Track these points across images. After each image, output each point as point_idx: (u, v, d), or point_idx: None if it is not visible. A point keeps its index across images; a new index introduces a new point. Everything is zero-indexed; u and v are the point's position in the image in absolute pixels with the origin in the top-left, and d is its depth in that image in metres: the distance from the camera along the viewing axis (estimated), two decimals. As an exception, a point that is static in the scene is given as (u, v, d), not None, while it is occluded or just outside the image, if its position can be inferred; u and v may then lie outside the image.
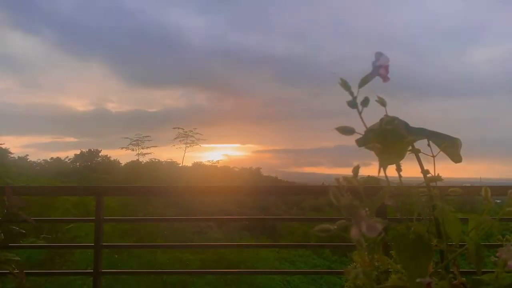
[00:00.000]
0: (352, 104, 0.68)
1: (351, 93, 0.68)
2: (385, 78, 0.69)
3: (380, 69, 0.69)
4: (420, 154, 0.90)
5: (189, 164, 29.29)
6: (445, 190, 0.84)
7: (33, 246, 5.87)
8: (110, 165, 26.88)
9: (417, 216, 0.77)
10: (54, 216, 8.45)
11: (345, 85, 0.68)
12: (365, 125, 0.70)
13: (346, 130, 0.69)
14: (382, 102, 0.72)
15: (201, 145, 29.66)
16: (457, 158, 0.92)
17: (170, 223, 9.92)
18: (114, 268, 7.17)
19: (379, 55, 0.69)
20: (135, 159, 28.53)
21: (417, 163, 0.88)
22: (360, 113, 0.69)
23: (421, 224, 0.85)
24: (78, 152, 27.54)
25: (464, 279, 0.81)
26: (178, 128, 30.15)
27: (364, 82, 0.69)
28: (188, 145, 29.58)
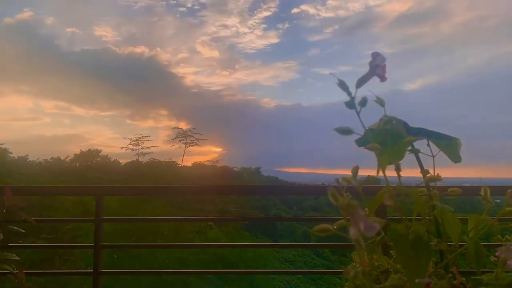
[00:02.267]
0: (350, 104, 0.68)
1: (349, 94, 0.68)
2: (383, 78, 0.69)
3: (377, 69, 0.69)
4: (420, 154, 0.90)
5: (189, 164, 29.36)
6: (444, 190, 0.84)
7: (33, 246, 5.88)
8: (110, 165, 26.86)
9: (416, 216, 0.77)
10: (54, 216, 8.46)
11: (343, 85, 0.68)
12: (363, 125, 0.70)
13: (344, 131, 0.69)
14: (381, 102, 0.72)
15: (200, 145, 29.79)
16: (456, 158, 0.92)
17: (170, 223, 9.93)
18: (114, 268, 7.17)
19: (376, 55, 0.69)
20: (135, 159, 28.60)
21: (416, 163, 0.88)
22: (358, 113, 0.69)
23: (420, 224, 0.85)
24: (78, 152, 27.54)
25: (463, 279, 0.81)
26: (177, 128, 30.26)
27: (361, 82, 0.69)
28: (188, 145, 29.66)
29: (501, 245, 0.77)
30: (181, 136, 29.65)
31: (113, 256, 7.82)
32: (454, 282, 0.79)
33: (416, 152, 0.90)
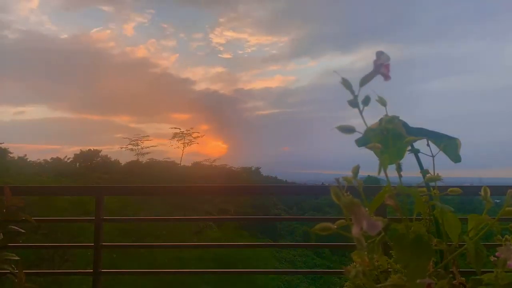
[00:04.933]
0: (353, 103, 0.68)
1: (352, 92, 0.68)
2: (386, 77, 0.69)
3: (381, 68, 0.69)
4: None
5: (189, 164, 29.41)
6: (444, 190, 0.84)
7: (33, 246, 5.87)
8: (110, 165, 26.87)
9: (416, 216, 0.77)
10: (54, 216, 8.46)
11: (346, 84, 0.68)
12: (366, 124, 0.70)
13: (347, 129, 0.69)
14: (382, 102, 0.72)
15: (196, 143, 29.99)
16: (456, 158, 0.92)
17: (170, 223, 9.93)
18: (114, 268, 7.16)
19: (380, 53, 0.69)
20: (135, 159, 28.64)
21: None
22: (361, 112, 0.69)
23: (420, 224, 0.85)
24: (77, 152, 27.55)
25: (463, 279, 0.81)
26: (175, 128, 30.40)
27: (365, 81, 0.69)
28: (186, 144, 29.77)
29: (501, 245, 0.77)
30: (179, 136, 29.77)
31: (112, 256, 7.82)
32: (454, 282, 0.79)
33: (416, 152, 0.90)
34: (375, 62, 0.68)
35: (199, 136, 30.24)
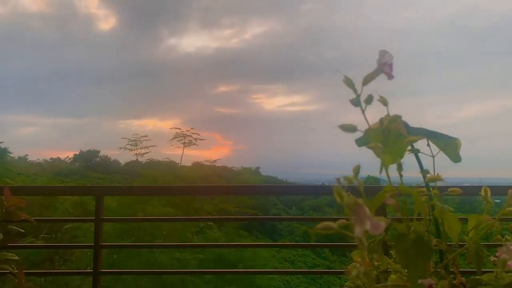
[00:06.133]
0: (356, 102, 0.68)
1: (355, 91, 0.68)
2: (390, 76, 0.69)
3: (384, 67, 0.69)
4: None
5: (188, 164, 29.40)
6: (444, 190, 0.84)
7: (33, 246, 5.87)
8: (110, 165, 26.88)
9: (417, 216, 0.77)
10: (54, 216, 8.45)
11: (348, 82, 0.68)
12: (368, 123, 0.70)
13: (348, 128, 0.69)
14: (384, 102, 0.72)
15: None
16: (456, 158, 0.92)
17: (170, 223, 9.92)
18: (113, 268, 7.17)
19: (383, 52, 0.69)
20: (134, 159, 28.63)
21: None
22: (363, 111, 0.69)
23: (421, 224, 0.85)
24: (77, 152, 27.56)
25: (463, 279, 0.81)
26: (176, 128, 30.37)
27: (368, 79, 0.69)
28: (186, 145, 29.75)
29: (501, 245, 0.77)
30: (180, 137, 29.73)
31: (112, 256, 7.81)
32: (454, 282, 0.79)
33: (416, 152, 0.90)
34: (378, 61, 0.68)
35: (199, 138, 30.22)
